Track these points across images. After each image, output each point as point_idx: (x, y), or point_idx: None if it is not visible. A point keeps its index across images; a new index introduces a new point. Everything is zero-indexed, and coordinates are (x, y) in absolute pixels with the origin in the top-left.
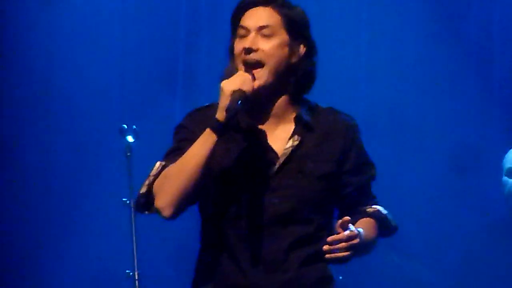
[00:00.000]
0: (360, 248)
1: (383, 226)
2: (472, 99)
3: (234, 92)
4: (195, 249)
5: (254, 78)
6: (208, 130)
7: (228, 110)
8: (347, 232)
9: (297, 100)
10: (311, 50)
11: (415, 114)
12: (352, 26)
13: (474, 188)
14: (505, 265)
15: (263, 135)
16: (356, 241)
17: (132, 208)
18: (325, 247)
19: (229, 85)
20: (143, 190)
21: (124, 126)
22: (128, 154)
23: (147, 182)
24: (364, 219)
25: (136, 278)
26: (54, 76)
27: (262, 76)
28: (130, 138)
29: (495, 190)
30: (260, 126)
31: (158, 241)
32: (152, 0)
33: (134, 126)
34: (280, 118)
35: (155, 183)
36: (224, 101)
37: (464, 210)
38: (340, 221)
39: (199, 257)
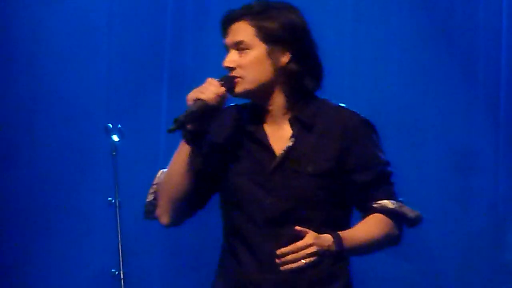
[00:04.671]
0: (333, 251)
1: (397, 219)
2: (473, 99)
3: (195, 101)
4: (181, 248)
5: (233, 86)
6: (182, 140)
7: (182, 118)
8: (300, 243)
9: (296, 101)
10: (298, 52)
11: (415, 114)
12: (351, 27)
13: (474, 188)
14: (504, 264)
15: (265, 136)
16: (311, 249)
17: (117, 207)
18: (277, 261)
19: (192, 94)
20: (150, 198)
21: (109, 125)
22: (114, 153)
23: (151, 191)
24: (372, 215)
25: (122, 277)
26: (39, 75)
27: (241, 85)
28: (115, 137)
29: (495, 190)
30: (266, 128)
31: (144, 240)
32: None
33: (119, 125)
34: (282, 119)
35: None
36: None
37: (464, 210)
38: (297, 229)
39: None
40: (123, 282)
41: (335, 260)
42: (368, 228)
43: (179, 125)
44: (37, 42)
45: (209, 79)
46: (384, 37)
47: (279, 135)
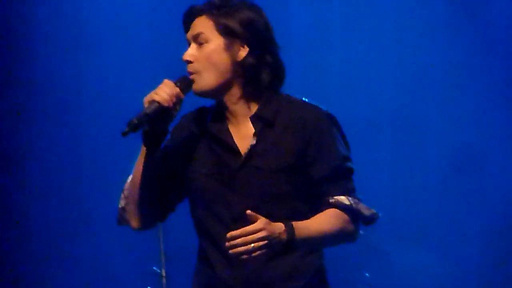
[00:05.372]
0: (282, 240)
1: (352, 215)
2: (473, 99)
3: (150, 102)
4: None
5: (190, 85)
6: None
7: (135, 121)
8: (249, 227)
9: (256, 97)
10: (255, 47)
11: (416, 114)
12: (353, 23)
13: (474, 188)
14: (503, 263)
15: (229, 136)
16: (261, 234)
17: None
18: (226, 244)
19: (148, 96)
20: (121, 204)
21: None
22: None
23: (122, 196)
24: (328, 210)
25: (163, 275)
26: (64, 74)
27: (199, 81)
28: None
29: (495, 190)
30: (230, 127)
31: (185, 238)
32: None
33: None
34: (244, 118)
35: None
36: None
37: (464, 209)
38: (248, 213)
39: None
40: (165, 280)
41: (306, 255)
42: (321, 221)
43: (132, 128)
44: (60, 41)
45: (165, 80)
46: (390, 36)
47: (243, 134)
